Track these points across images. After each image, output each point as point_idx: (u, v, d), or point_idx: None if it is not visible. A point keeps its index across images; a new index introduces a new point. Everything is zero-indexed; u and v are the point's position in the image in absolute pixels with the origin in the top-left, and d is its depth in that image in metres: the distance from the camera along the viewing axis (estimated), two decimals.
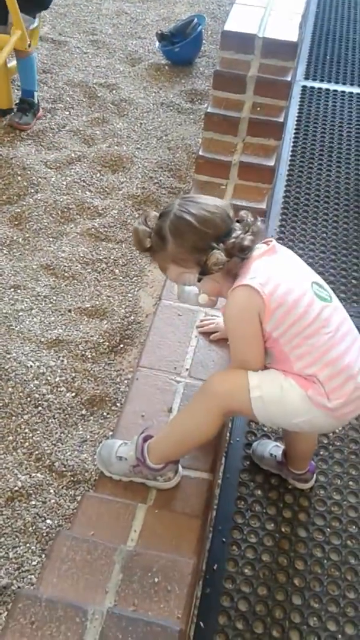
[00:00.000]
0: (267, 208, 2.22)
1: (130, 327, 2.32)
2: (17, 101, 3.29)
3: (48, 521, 1.74)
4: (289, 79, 2.40)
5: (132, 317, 2.36)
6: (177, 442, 1.44)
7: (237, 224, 1.42)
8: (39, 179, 2.90)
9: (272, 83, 2.28)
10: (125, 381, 2.14)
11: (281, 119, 2.34)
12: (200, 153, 2.26)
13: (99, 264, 2.57)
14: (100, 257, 2.59)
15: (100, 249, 2.63)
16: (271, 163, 2.23)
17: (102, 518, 1.36)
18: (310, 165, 2.82)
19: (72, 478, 1.84)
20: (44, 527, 1.72)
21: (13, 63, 3.27)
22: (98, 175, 2.99)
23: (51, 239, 2.66)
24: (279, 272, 1.39)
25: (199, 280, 1.40)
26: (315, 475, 1.74)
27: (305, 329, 1.32)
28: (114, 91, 3.55)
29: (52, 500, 1.79)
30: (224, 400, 1.37)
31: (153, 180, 2.92)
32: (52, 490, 1.81)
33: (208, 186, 2.24)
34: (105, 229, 2.70)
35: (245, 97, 2.27)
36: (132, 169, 3.01)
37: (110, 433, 1.94)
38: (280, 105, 2.34)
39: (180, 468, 1.48)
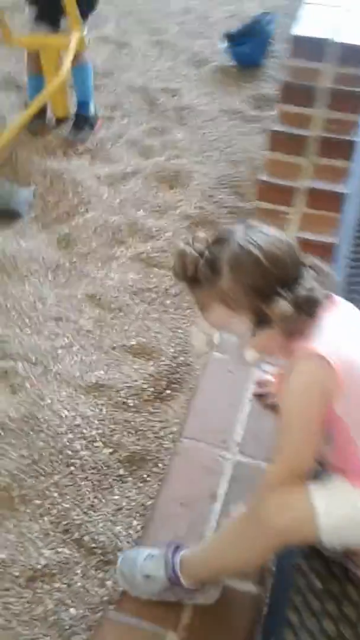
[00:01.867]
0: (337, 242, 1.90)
1: (179, 369, 2.06)
2: (74, 111, 3.10)
3: (72, 610, 1.51)
4: None
5: (182, 358, 2.09)
6: (216, 570, 1.18)
7: (308, 270, 1.15)
8: (91, 197, 2.70)
9: (348, 96, 1.94)
10: (170, 435, 1.89)
11: (355, 137, 2.00)
12: (264, 178, 1.96)
13: (148, 293, 2.32)
14: (150, 286, 2.34)
15: (151, 276, 2.38)
16: (342, 189, 1.90)
17: None
18: None
19: (102, 557, 1.60)
20: (67, 618, 1.49)
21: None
22: (154, 191, 2.75)
23: (99, 264, 2.45)
24: (349, 335, 1.09)
25: (252, 333, 1.13)
26: None
27: None
28: (175, 97, 3.29)
29: (79, 584, 1.55)
30: (284, 535, 1.08)
31: (213, 199, 2.64)
32: (79, 571, 1.58)
33: (270, 215, 1.95)
34: (157, 254, 2.45)
35: (316, 111, 1.94)
36: (191, 185, 2.74)
37: (150, 502, 1.70)
38: (353, 120, 2.00)
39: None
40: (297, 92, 1.98)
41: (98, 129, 3.07)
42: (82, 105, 3.07)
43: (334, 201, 1.87)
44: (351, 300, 1.16)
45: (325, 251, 1.66)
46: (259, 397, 1.53)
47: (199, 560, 1.17)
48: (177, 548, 1.20)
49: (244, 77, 3.45)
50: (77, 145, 2.97)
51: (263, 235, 1.13)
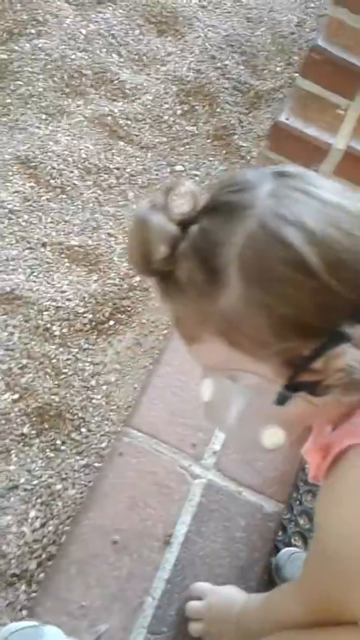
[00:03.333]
0: None
1: (130, 294, 1.48)
2: None
3: None
4: None
5: (137, 279, 1.51)
6: None
7: None
8: (47, 15, 1.92)
9: None
10: (104, 387, 1.34)
11: None
12: (321, 43, 1.30)
13: (106, 175, 1.67)
14: (110, 166, 1.69)
15: (114, 151, 1.72)
16: None
17: None
18: None
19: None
20: None
21: None
22: (137, 32, 2.00)
23: (43, 117, 1.74)
24: None
25: (280, 399, 0.60)
26: None
27: None
28: None
29: None
30: None
31: (215, 62, 1.94)
32: None
33: (314, 106, 1.31)
34: (128, 122, 1.77)
35: None
36: (189, 35, 2.01)
37: (59, 486, 1.18)
38: None
39: None
40: None
41: None
42: None
43: None
44: None
45: None
46: None
47: None
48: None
49: None
50: None
51: (317, 207, 0.58)
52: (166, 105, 1.83)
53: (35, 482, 1.19)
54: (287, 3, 2.20)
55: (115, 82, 1.85)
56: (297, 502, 1.01)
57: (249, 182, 0.60)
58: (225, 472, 0.90)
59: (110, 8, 2.04)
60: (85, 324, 1.41)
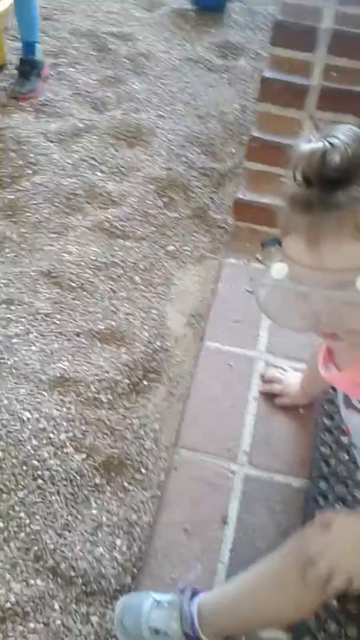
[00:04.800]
0: None
1: (156, 356, 1.80)
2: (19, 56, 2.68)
3: None
4: None
5: (159, 343, 1.83)
6: (246, 622, 0.95)
7: None
8: (38, 157, 2.35)
9: (353, 38, 1.67)
10: (151, 434, 1.64)
11: None
12: (255, 134, 1.69)
13: (114, 269, 2.03)
14: (116, 260, 2.05)
15: (116, 248, 2.09)
16: None
17: None
18: None
19: (83, 587, 1.35)
20: None
21: (5, 6, 2.66)
22: (112, 150, 2.42)
23: (54, 235, 2.13)
24: None
25: None
26: None
27: None
28: (129, 43, 2.94)
29: (58, 622, 1.31)
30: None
31: (181, 158, 2.34)
32: (57, 606, 1.33)
33: (263, 178, 1.68)
34: (122, 223, 2.15)
35: (315, 57, 1.67)
36: (154, 142, 2.43)
37: (134, 516, 1.45)
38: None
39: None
40: (292, 33, 1.69)
41: (45, 78, 2.69)
42: (28, 47, 2.64)
43: None
44: None
45: None
46: (266, 395, 1.29)
47: (224, 611, 0.95)
48: (193, 595, 0.97)
49: (205, 21, 3.12)
50: (30, 98, 2.58)
51: None
52: (149, 202, 2.22)
53: (115, 518, 1.47)
54: (228, 95, 2.64)
55: (104, 194, 2.25)
56: (333, 476, 1.23)
57: None
58: (257, 465, 1.17)
59: (86, 136, 2.47)
60: (124, 388, 1.72)
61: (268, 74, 1.66)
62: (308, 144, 0.77)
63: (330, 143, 0.75)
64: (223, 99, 2.61)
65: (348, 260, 0.74)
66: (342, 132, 0.77)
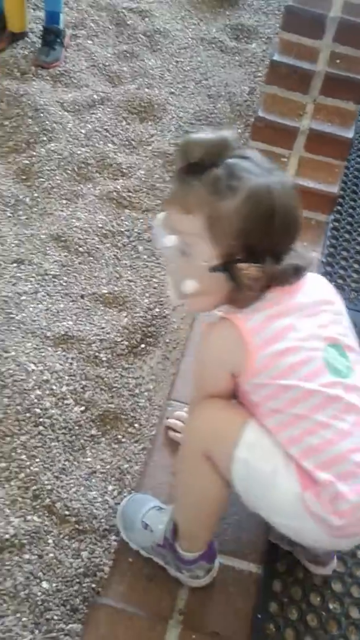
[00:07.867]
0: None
1: (154, 322, 1.91)
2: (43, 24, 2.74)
3: (44, 584, 1.39)
4: None
5: (157, 310, 1.94)
6: (189, 519, 1.12)
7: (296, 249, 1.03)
8: (54, 124, 2.43)
9: (359, 28, 1.75)
10: (146, 393, 1.75)
11: None
12: (260, 114, 1.77)
13: (119, 237, 2.13)
14: (122, 229, 2.15)
15: (123, 218, 2.19)
16: (349, 134, 1.74)
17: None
18: None
19: (76, 525, 1.48)
20: (39, 593, 1.37)
21: None
22: (124, 123, 2.51)
23: (64, 202, 2.22)
24: (287, 317, 0.99)
25: (212, 269, 0.97)
26: (336, 558, 1.26)
27: (294, 406, 0.95)
28: (146, 19, 3.00)
29: (51, 555, 1.43)
30: (205, 441, 1.04)
31: None
32: (50, 541, 1.45)
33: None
34: (130, 194, 2.24)
35: (322, 43, 1.75)
36: (165, 118, 2.52)
37: (126, 465, 1.58)
38: None
39: (216, 565, 1.11)
40: (301, 20, 1.77)
41: (68, 45, 2.75)
42: (52, 16, 2.70)
43: (338, 147, 1.70)
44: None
45: (325, 202, 1.52)
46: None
47: (177, 515, 1.12)
48: None
49: (221, 3, 3.17)
50: (52, 68, 2.64)
51: (287, 192, 0.98)
52: (157, 176, 2.31)
53: (108, 466, 1.59)
54: (239, 77, 2.71)
55: (114, 165, 2.34)
56: None
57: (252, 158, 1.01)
58: None
59: (100, 108, 2.55)
60: (123, 350, 1.83)
61: (277, 57, 1.74)
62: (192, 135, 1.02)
63: (195, 139, 0.98)
64: (233, 80, 2.69)
65: (181, 226, 0.99)
66: (216, 134, 0.99)
